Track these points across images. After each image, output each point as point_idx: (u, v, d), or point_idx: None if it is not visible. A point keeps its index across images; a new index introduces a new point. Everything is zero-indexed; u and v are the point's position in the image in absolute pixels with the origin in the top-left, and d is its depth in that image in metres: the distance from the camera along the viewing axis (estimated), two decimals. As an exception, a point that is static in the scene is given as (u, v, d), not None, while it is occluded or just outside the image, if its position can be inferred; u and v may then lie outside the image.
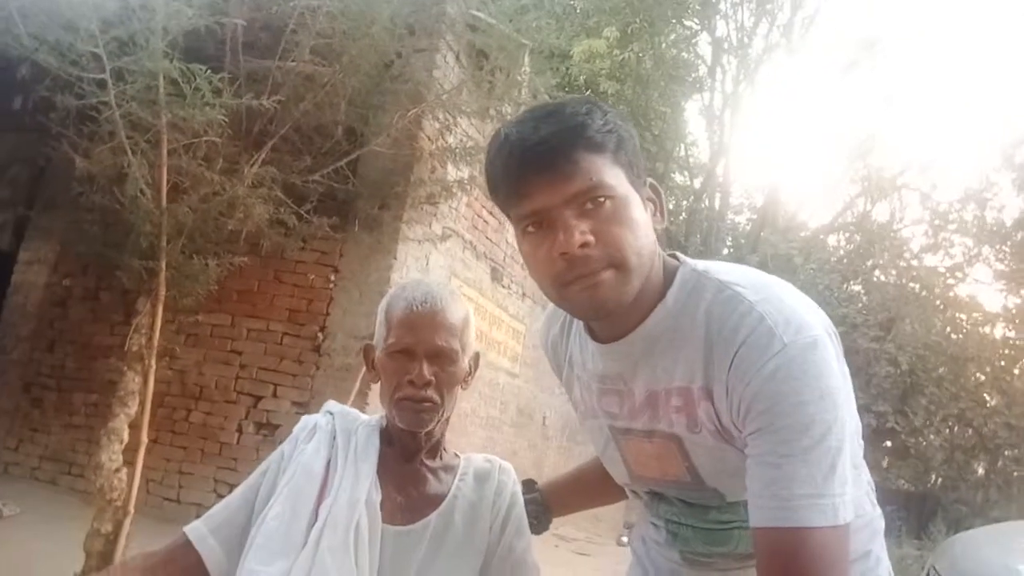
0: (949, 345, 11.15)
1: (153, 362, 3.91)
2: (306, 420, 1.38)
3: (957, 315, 12.12)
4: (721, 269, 1.00)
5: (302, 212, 4.39)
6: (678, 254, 1.05)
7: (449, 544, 1.24)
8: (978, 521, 19.61)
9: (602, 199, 0.91)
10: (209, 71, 3.25)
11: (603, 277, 0.90)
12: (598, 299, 0.91)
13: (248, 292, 5.39)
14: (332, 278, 5.28)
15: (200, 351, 5.50)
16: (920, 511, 22.57)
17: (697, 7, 10.97)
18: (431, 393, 1.24)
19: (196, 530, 1.23)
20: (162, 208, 3.56)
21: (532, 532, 1.42)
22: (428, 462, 1.33)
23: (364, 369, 1.46)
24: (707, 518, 1.06)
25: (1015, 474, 11.82)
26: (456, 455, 1.38)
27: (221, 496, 4.78)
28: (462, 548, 1.25)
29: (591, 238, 0.89)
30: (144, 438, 3.86)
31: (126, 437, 3.80)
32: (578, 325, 1.15)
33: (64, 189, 4.87)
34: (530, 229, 0.94)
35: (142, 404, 3.87)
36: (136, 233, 3.70)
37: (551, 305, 1.22)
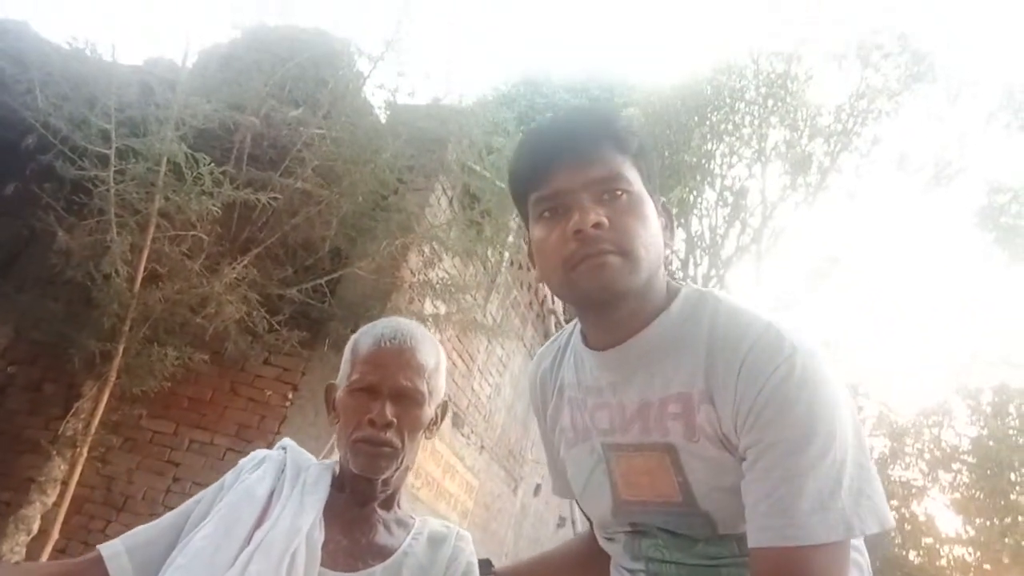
0: (906, 564, 10.87)
1: (85, 451, 3.69)
2: (255, 453, 1.30)
3: (915, 533, 11.91)
4: (723, 294, 1.03)
5: (273, 322, 4.35)
6: (679, 279, 1.09)
7: None
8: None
9: (619, 192, 0.95)
10: (213, 163, 3.35)
11: (611, 260, 0.92)
12: (604, 279, 0.92)
13: (199, 401, 5.18)
14: (290, 396, 5.12)
15: (134, 457, 5.17)
16: None
17: (674, 203, 11.71)
18: (391, 436, 1.18)
19: (111, 547, 1.11)
20: (134, 290, 3.52)
21: (480, 615, 1.31)
22: (381, 512, 1.24)
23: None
24: (694, 551, 0.99)
25: None
26: (412, 515, 1.29)
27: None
28: None
29: (605, 220, 0.93)
30: (55, 534, 3.56)
31: (35, 529, 3.49)
32: (573, 343, 1.14)
33: (35, 270, 4.80)
34: (546, 214, 0.98)
35: (61, 496, 3.59)
36: (100, 313, 3.62)
37: (541, 349, 1.24)
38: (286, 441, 1.33)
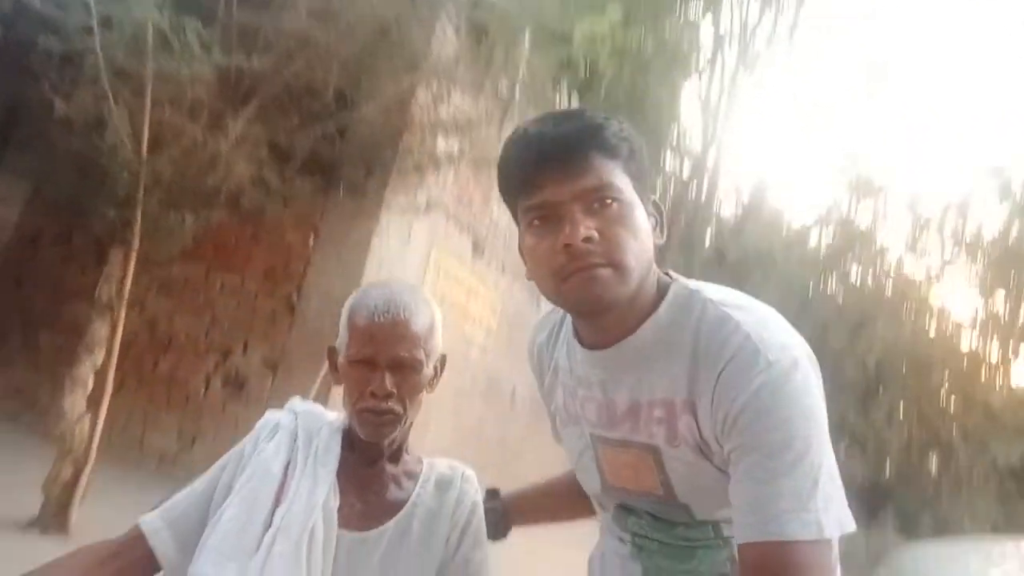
0: (916, 350, 11.37)
1: (122, 312, 3.88)
2: (268, 418, 1.37)
3: (927, 322, 12.34)
4: (711, 290, 1.03)
5: (285, 173, 4.33)
6: (671, 272, 1.08)
7: (405, 552, 1.24)
8: (926, 515, 20.28)
9: (609, 200, 0.94)
10: (199, 24, 3.16)
11: (600, 273, 0.93)
12: (594, 293, 0.94)
13: (224, 247, 5.34)
14: (311, 240, 5.23)
15: (171, 301, 5.45)
16: (871, 500, 23.28)
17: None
18: (392, 405, 1.22)
19: (151, 523, 1.21)
20: (142, 158, 3.49)
21: (489, 538, 1.43)
22: (390, 467, 1.32)
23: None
24: (673, 533, 1.08)
25: (966, 476, 12.15)
26: (420, 460, 1.38)
27: (185, 445, 4.80)
28: (418, 557, 1.25)
29: (595, 234, 0.92)
30: (109, 388, 3.85)
31: (90, 385, 3.78)
32: (567, 332, 1.16)
33: (39, 131, 4.75)
34: (536, 223, 0.97)
35: (108, 353, 3.84)
36: (112, 181, 3.63)
37: (542, 315, 1.26)
38: (296, 404, 1.39)
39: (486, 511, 1.43)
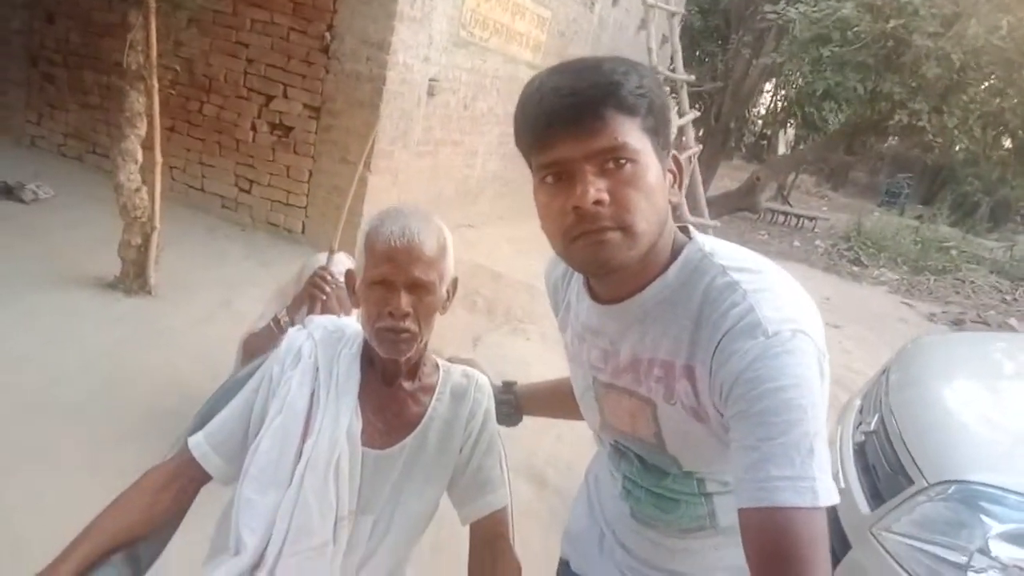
0: (1009, 48, 10.28)
1: (155, 81, 3.79)
2: (291, 342, 1.45)
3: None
4: (726, 253, 1.02)
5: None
6: (689, 228, 1.07)
7: (421, 464, 1.40)
8: (984, 199, 20.20)
9: (623, 161, 0.92)
10: None
11: (609, 237, 0.93)
12: (601, 257, 0.94)
13: (248, -21, 4.95)
14: (338, -30, 4.79)
15: (205, 40, 5.25)
16: (932, 180, 23.18)
17: None
18: (409, 324, 1.30)
19: (200, 447, 1.37)
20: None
21: (501, 424, 1.59)
22: (407, 384, 1.43)
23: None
24: (661, 484, 1.16)
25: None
26: (436, 367, 1.48)
27: (242, 190, 5.05)
28: (433, 467, 1.41)
29: (606, 196, 0.91)
30: (159, 157, 3.93)
31: (140, 158, 3.86)
32: (579, 276, 1.19)
33: None
34: (548, 180, 0.96)
35: (150, 123, 3.85)
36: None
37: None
38: (315, 326, 1.46)
39: (501, 402, 1.57)
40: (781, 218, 14.24)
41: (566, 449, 3.31)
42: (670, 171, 0.99)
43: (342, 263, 2.61)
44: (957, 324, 7.69)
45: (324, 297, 2.43)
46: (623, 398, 1.11)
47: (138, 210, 3.86)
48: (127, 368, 3.30)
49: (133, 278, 4.00)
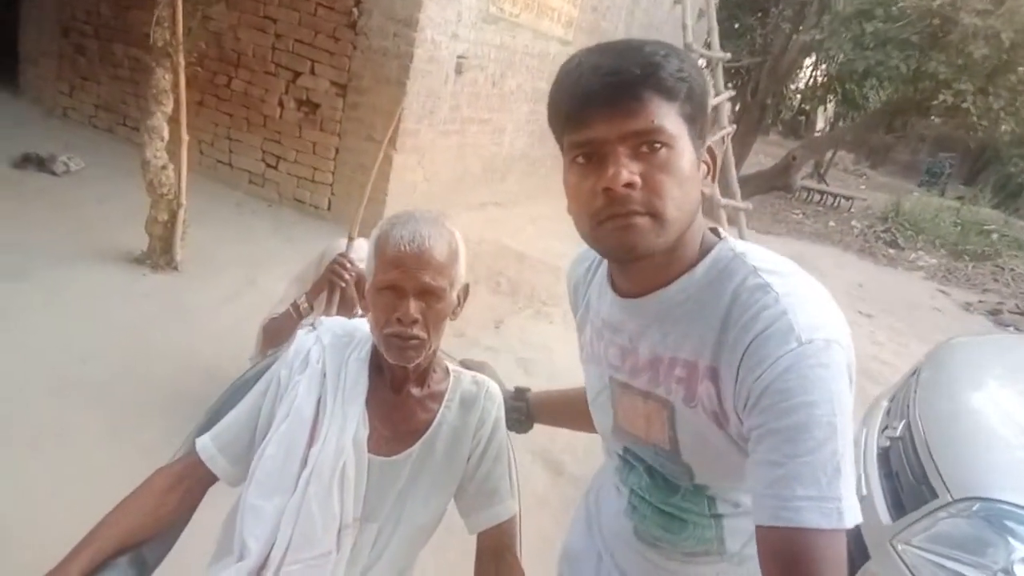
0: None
1: (181, 58, 3.79)
2: (300, 345, 1.43)
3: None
4: (758, 255, 0.99)
5: None
6: (720, 230, 1.05)
7: (428, 472, 1.39)
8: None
9: (658, 145, 0.90)
10: None
11: (638, 221, 0.91)
12: (628, 242, 0.92)
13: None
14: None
15: (233, 14, 5.22)
16: (975, 160, 22.48)
17: None
18: (418, 331, 1.29)
19: (207, 449, 1.37)
20: None
21: (512, 431, 1.56)
22: (415, 391, 1.42)
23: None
24: (670, 501, 1.13)
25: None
26: (447, 373, 1.46)
27: (269, 166, 5.06)
28: (440, 475, 1.40)
29: (638, 179, 0.89)
30: (185, 135, 3.94)
31: (166, 135, 3.87)
32: (602, 271, 1.16)
33: None
34: (580, 160, 0.94)
35: (176, 101, 3.85)
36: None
37: (580, 251, 1.24)
38: (323, 330, 1.44)
39: (513, 408, 1.55)
40: (817, 197, 13.93)
41: (584, 436, 3.29)
42: (704, 162, 0.97)
43: (362, 249, 2.59)
44: (994, 314, 7.49)
45: (343, 285, 2.42)
46: (638, 400, 1.08)
47: (164, 187, 3.88)
48: (152, 347, 3.34)
49: (160, 254, 4.04)
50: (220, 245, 4.53)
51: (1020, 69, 10.30)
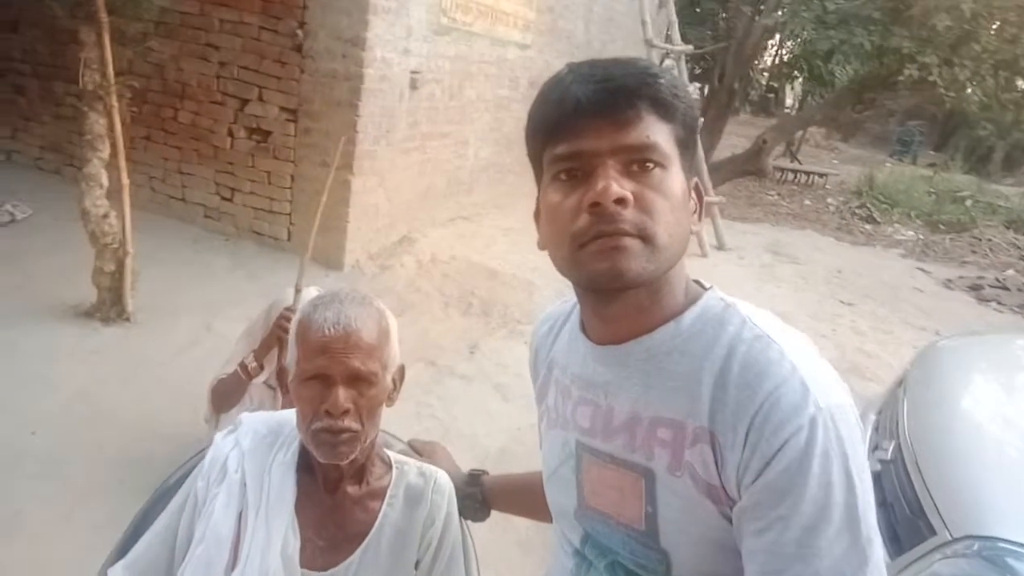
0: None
1: (114, 100, 3.59)
2: (217, 452, 1.29)
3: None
4: (750, 308, 0.90)
5: None
6: (703, 281, 0.95)
7: None
8: (998, 143, 19.65)
9: (651, 164, 0.83)
10: None
11: (627, 243, 0.81)
12: (616, 265, 0.81)
13: (213, -23, 4.70)
14: (305, -33, 4.54)
15: (174, 44, 5.02)
16: (944, 125, 22.61)
17: None
18: (350, 422, 1.16)
19: None
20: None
21: (468, 519, 1.42)
22: (352, 490, 1.28)
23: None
24: None
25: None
26: (389, 467, 1.32)
27: (224, 198, 4.86)
28: None
29: (630, 196, 0.80)
30: (125, 180, 3.75)
31: (105, 181, 3.68)
32: (570, 324, 1.04)
33: None
34: (562, 176, 0.85)
35: (114, 145, 3.66)
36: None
37: (548, 310, 1.15)
38: (243, 430, 1.30)
39: (467, 495, 1.39)
40: (791, 176, 13.91)
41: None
42: (695, 192, 0.90)
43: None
44: (975, 290, 7.43)
45: None
46: (610, 470, 0.93)
47: (108, 236, 3.69)
48: (104, 410, 3.17)
49: (110, 306, 3.85)
50: (176, 288, 4.34)
51: (983, 38, 10.27)
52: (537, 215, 0.93)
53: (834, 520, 0.74)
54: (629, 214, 0.80)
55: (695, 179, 0.91)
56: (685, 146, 0.86)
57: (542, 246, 0.91)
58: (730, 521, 0.82)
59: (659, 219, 0.81)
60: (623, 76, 0.82)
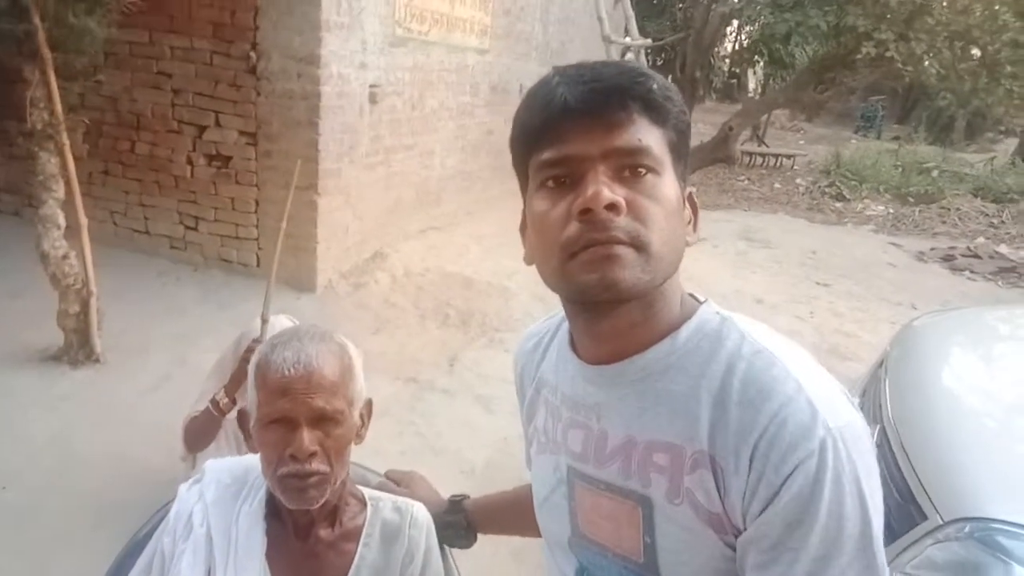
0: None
1: (65, 138, 3.50)
2: (182, 506, 1.23)
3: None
4: (747, 321, 0.85)
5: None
6: (697, 295, 0.90)
7: None
8: (959, 112, 19.97)
9: (643, 170, 0.78)
10: None
11: (620, 251, 0.76)
12: (610, 275, 0.76)
13: (161, 3, 4.61)
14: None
15: (124, 74, 4.92)
16: (905, 98, 22.92)
17: None
18: (317, 465, 1.11)
19: None
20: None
21: (453, 547, 1.37)
22: (325, 534, 1.23)
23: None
24: None
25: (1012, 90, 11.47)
26: (364, 505, 1.27)
27: (189, 228, 4.75)
28: None
29: (622, 202, 0.76)
30: (83, 219, 3.67)
31: (63, 222, 3.59)
32: (558, 340, 0.99)
33: None
34: (550, 183, 0.81)
35: (68, 183, 3.57)
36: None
37: (531, 327, 1.10)
38: (207, 481, 1.24)
39: (449, 524, 1.34)
40: (759, 160, 13.99)
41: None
42: (689, 202, 0.85)
43: (281, 327, 2.38)
44: (948, 261, 7.51)
45: None
46: (604, 498, 0.88)
47: (69, 277, 3.60)
48: (75, 455, 3.09)
49: (78, 348, 3.75)
50: (145, 324, 4.25)
51: (936, 11, 10.41)
52: (523, 227, 0.89)
53: (846, 551, 0.71)
54: (622, 221, 0.76)
55: (690, 189, 0.86)
56: (678, 152, 0.82)
57: (529, 260, 0.87)
58: (734, 550, 0.78)
59: (653, 227, 0.77)
60: (613, 76, 0.79)
